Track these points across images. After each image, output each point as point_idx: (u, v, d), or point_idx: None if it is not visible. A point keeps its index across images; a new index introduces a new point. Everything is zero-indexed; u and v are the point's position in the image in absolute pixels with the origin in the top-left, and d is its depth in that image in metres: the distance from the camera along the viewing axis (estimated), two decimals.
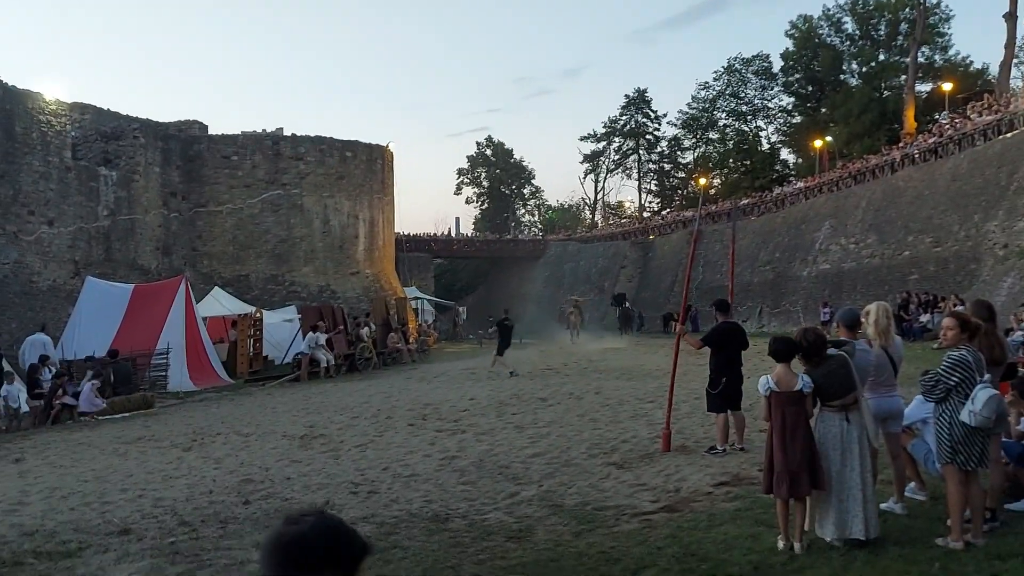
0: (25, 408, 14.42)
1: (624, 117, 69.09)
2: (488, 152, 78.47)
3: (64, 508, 7.45)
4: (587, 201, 76.56)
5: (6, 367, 14.78)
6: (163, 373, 18.38)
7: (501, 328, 20.06)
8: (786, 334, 5.90)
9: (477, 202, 78.92)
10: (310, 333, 21.31)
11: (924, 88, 46.46)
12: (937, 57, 48.33)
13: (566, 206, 79.42)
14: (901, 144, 36.07)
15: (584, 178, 74.72)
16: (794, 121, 56.84)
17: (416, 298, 38.50)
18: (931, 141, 32.03)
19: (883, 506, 5.75)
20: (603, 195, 75.20)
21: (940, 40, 48.27)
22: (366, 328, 24.31)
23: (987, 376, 5.07)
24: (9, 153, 22.87)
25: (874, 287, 29.00)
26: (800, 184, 42.39)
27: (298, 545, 1.66)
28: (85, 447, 11.20)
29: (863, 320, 6.07)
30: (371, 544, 1.77)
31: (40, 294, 22.79)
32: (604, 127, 70.27)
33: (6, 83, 23.26)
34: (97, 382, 15.14)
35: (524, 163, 79.14)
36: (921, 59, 45.71)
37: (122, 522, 6.77)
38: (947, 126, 32.13)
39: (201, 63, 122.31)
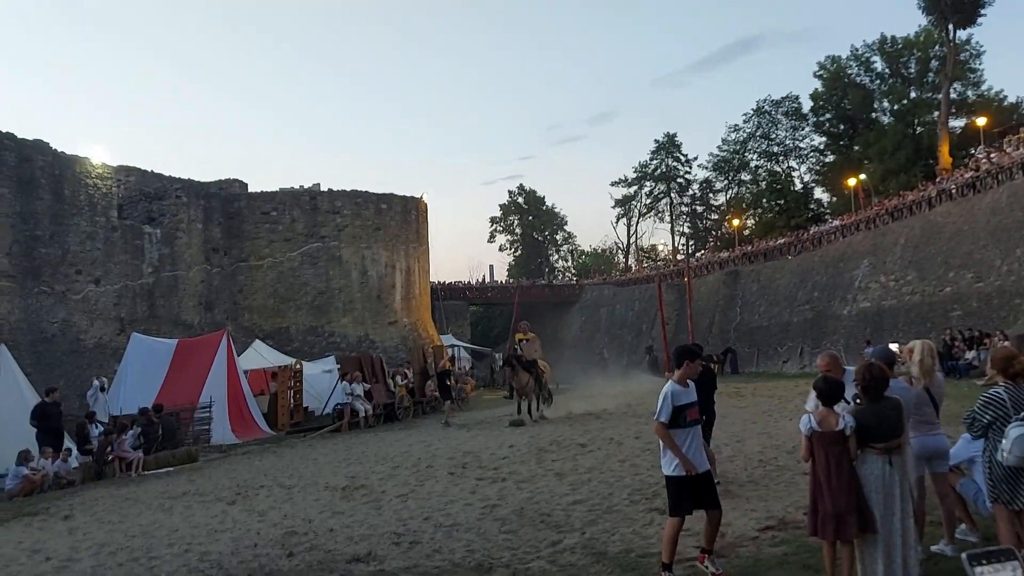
0: (74, 464, 14.70)
1: (655, 161, 69.50)
2: (520, 200, 79.22)
3: (113, 564, 7.57)
4: (620, 245, 76.73)
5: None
6: (206, 427, 18.62)
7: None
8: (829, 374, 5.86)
9: (511, 249, 79.50)
10: (343, 382, 21.60)
11: (958, 124, 46.11)
12: (970, 93, 47.99)
13: (599, 251, 79.58)
14: (938, 180, 35.72)
15: (617, 222, 75.04)
16: (827, 160, 56.61)
17: (452, 345, 38.65)
18: (968, 176, 31.70)
19: (933, 548, 5.64)
20: (636, 239, 75.34)
21: (972, 76, 47.99)
22: (397, 377, 24.51)
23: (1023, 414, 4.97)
24: (58, 215, 23.72)
25: (916, 324, 28.50)
26: (836, 222, 42.07)
27: None
28: (132, 503, 11.36)
29: (907, 356, 6.04)
30: None
31: (87, 351, 23.37)
32: (635, 172, 70.78)
33: (56, 149, 24.23)
34: (138, 429, 15.56)
35: (556, 209, 79.86)
36: (953, 95, 45.43)
37: None
38: (983, 160, 31.80)
39: (240, 124, 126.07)
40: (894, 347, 8.23)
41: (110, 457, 15.04)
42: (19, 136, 23.19)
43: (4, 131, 22.78)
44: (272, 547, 7.74)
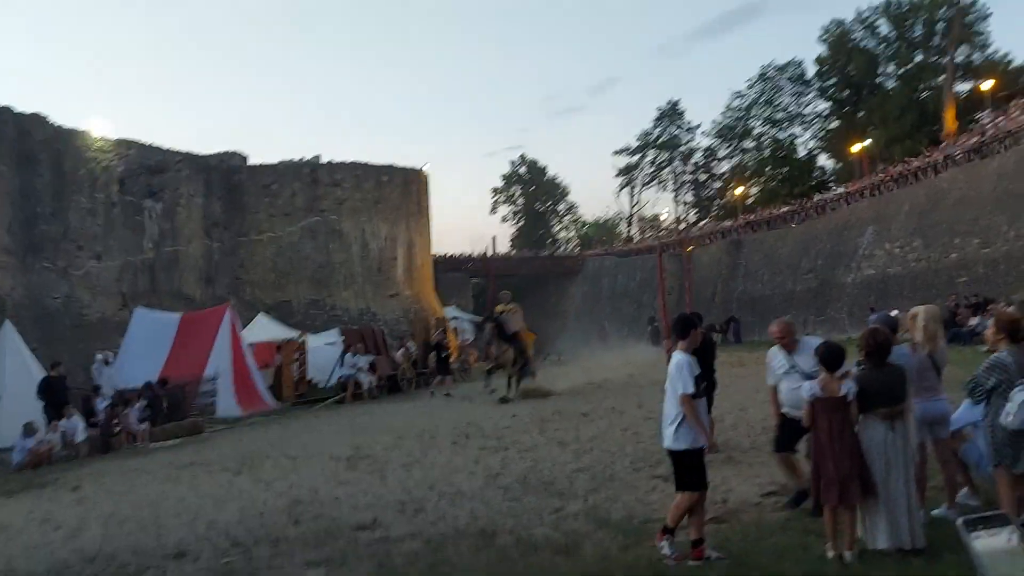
0: (83, 436, 14.81)
1: (657, 130, 69.06)
2: (522, 170, 78.85)
3: (121, 533, 7.65)
4: (623, 215, 76.49)
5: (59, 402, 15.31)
6: (212, 399, 18.72)
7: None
8: (832, 340, 5.85)
9: (513, 220, 79.28)
10: (347, 355, 21.70)
11: (964, 87, 45.63)
12: (976, 56, 47.32)
13: (602, 221, 79.36)
14: (943, 145, 35.46)
15: (619, 192, 74.72)
16: (831, 127, 56.13)
17: (455, 317, 38.69)
18: (974, 141, 31.45)
19: (934, 513, 5.66)
20: (639, 208, 75.07)
21: (979, 38, 47.31)
22: (402, 350, 24.56)
23: None
24: (58, 191, 23.64)
25: (921, 291, 28.44)
26: (841, 190, 41.85)
27: None
28: (139, 473, 11.47)
29: (910, 323, 6.03)
30: None
31: (91, 326, 23.42)
32: (637, 140, 70.31)
33: (54, 123, 24.08)
34: (144, 402, 15.68)
35: (558, 180, 79.42)
36: (959, 58, 44.93)
37: (178, 544, 6.94)
38: (989, 125, 31.52)
39: (239, 95, 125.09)
40: (894, 314, 8.21)
41: (117, 430, 15.17)
42: (16, 110, 23.03)
43: (1, 105, 22.62)
44: (278, 515, 7.81)
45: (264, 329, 24.64)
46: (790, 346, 6.42)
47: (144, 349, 19.43)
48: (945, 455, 5.88)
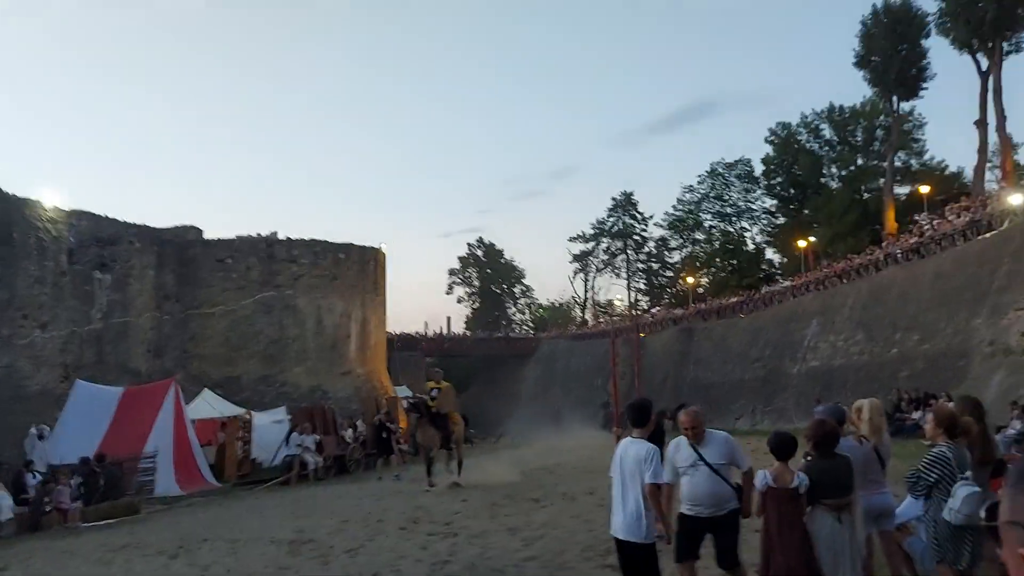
0: (9, 515, 14.13)
1: (612, 219, 70.69)
2: (479, 252, 79.63)
3: None
4: (577, 300, 77.31)
5: None
6: (150, 477, 18.09)
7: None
8: (783, 430, 5.97)
9: (468, 301, 79.52)
10: (294, 433, 21.28)
11: (902, 190, 47.91)
12: (913, 161, 50.03)
13: (557, 304, 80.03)
14: (884, 244, 36.94)
15: (574, 277, 75.74)
16: (778, 222, 58.19)
17: (406, 397, 38.20)
18: (912, 241, 32.84)
19: None
20: (593, 294, 76.02)
21: (915, 145, 50.10)
22: (349, 430, 24.17)
23: (968, 473, 5.11)
24: (5, 258, 23.15)
25: (864, 384, 29.08)
26: (787, 283, 43.07)
27: None
28: (69, 555, 10.96)
29: (854, 416, 6.18)
30: None
31: (30, 398, 22.61)
32: (592, 228, 71.79)
33: (5, 192, 23.76)
34: (79, 479, 15.08)
35: (515, 263, 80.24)
36: (898, 163, 47.32)
37: None
38: (927, 227, 33.01)
39: (197, 170, 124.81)
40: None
41: (48, 508, 14.50)
42: None
43: None
44: None
45: (209, 405, 24.07)
46: (698, 437, 5.89)
47: (82, 423, 18.79)
48: (891, 548, 5.95)
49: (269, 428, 23.79)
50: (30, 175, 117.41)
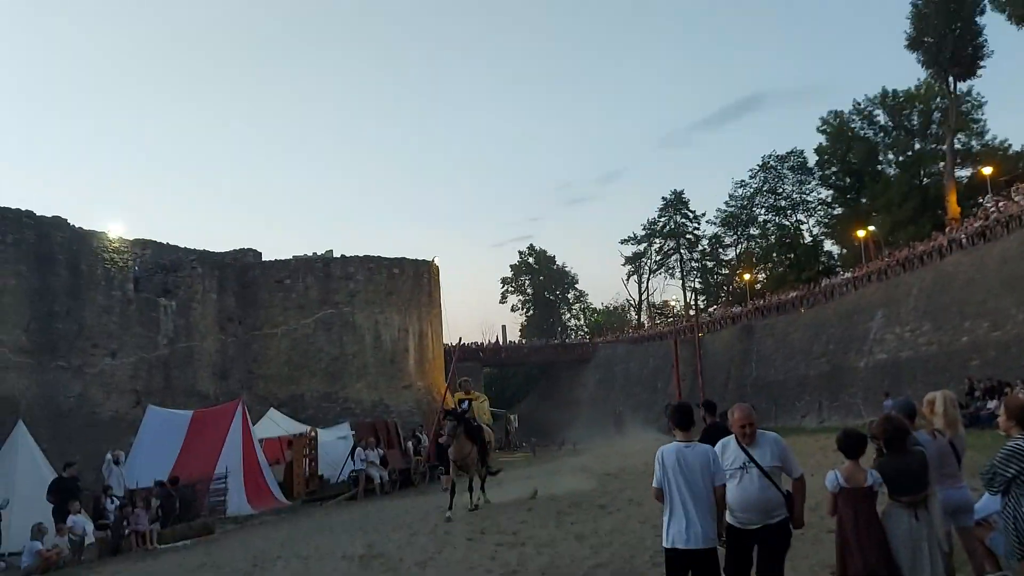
0: (91, 540, 14.60)
1: (663, 218, 70.04)
2: (531, 260, 79.69)
3: None
4: (632, 302, 76.76)
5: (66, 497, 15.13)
6: (222, 498, 18.50)
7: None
8: (851, 427, 5.81)
9: (523, 309, 79.59)
10: (359, 448, 21.52)
11: (964, 173, 46.42)
12: (974, 143, 48.35)
13: (611, 308, 79.59)
14: (947, 229, 35.84)
15: (627, 279, 75.21)
16: (835, 213, 56.92)
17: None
18: (977, 225, 31.80)
19: None
20: (647, 295, 75.38)
21: (975, 126, 48.40)
22: (411, 443, 24.37)
23: None
24: (75, 290, 24.02)
25: (934, 375, 28.21)
26: (848, 274, 42.07)
27: None
28: None
29: (927, 409, 5.99)
30: None
31: (103, 424, 23.38)
32: (644, 229, 71.22)
33: (73, 225, 24.69)
34: (157, 502, 15.52)
35: (567, 268, 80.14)
36: (958, 145, 45.85)
37: None
38: (992, 209, 31.93)
39: (254, 194, 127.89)
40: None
41: (127, 531, 14.95)
42: (38, 214, 23.67)
43: (24, 209, 23.26)
44: None
45: (275, 424, 24.52)
46: (751, 437, 5.44)
47: (155, 447, 19.32)
48: (971, 544, 5.75)
49: (334, 444, 24.13)
50: (95, 207, 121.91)
